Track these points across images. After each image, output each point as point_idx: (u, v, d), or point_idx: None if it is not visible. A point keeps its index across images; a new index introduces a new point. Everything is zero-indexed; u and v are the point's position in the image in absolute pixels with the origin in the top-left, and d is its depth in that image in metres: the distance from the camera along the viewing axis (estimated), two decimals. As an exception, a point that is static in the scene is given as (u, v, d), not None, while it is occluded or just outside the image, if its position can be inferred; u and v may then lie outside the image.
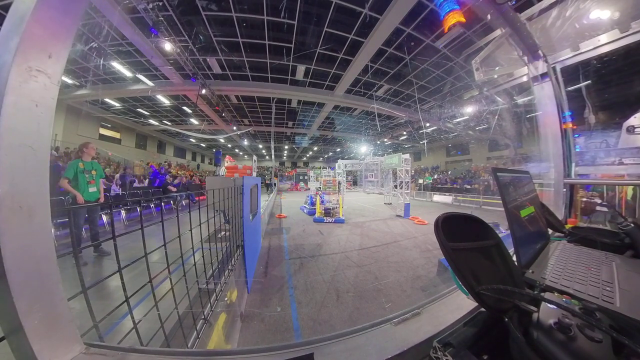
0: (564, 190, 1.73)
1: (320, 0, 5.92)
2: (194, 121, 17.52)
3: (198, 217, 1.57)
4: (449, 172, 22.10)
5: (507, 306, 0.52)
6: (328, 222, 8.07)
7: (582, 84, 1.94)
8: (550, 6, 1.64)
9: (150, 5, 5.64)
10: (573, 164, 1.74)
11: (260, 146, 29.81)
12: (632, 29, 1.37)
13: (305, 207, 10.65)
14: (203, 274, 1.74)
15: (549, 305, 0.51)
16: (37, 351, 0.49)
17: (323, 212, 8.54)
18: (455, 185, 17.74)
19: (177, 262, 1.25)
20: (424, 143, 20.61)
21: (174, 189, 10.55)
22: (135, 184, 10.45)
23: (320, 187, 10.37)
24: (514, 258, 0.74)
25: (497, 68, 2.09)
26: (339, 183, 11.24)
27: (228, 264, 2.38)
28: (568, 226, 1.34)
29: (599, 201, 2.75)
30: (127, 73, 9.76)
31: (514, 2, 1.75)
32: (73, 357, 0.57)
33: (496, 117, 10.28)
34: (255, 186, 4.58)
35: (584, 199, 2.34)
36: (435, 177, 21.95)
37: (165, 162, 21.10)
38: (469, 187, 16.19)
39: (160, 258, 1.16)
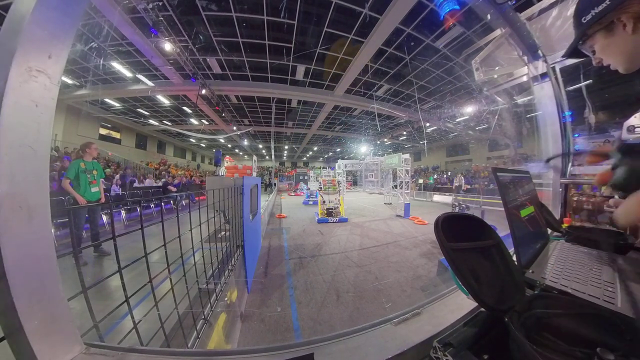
0: (560, 190, 1.74)
1: (320, 0, 5.92)
2: (194, 121, 17.53)
3: (198, 217, 1.57)
4: (449, 173, 22.10)
5: (507, 306, 0.52)
6: (332, 222, 8.13)
7: (583, 84, 1.94)
8: (550, 6, 1.63)
9: (150, 5, 5.64)
10: (570, 164, 1.75)
11: (260, 146, 29.82)
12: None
13: (307, 201, 13.33)
14: (203, 274, 1.74)
15: (549, 305, 0.51)
16: (37, 351, 0.49)
17: (325, 212, 8.58)
18: (455, 185, 17.71)
19: (177, 262, 1.25)
20: (424, 143, 20.62)
21: (174, 189, 10.55)
22: (136, 184, 10.45)
23: (321, 187, 10.58)
24: (514, 258, 0.74)
25: (497, 68, 2.09)
26: (339, 183, 11.50)
27: (228, 264, 2.38)
28: (564, 225, 1.34)
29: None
30: (127, 73, 9.76)
31: (514, 2, 1.75)
32: (73, 357, 0.57)
33: (496, 117, 10.28)
34: (255, 186, 4.58)
35: (576, 199, 2.33)
36: (435, 177, 21.95)
37: (163, 162, 21.11)
38: (469, 186, 16.18)
39: (160, 258, 1.16)
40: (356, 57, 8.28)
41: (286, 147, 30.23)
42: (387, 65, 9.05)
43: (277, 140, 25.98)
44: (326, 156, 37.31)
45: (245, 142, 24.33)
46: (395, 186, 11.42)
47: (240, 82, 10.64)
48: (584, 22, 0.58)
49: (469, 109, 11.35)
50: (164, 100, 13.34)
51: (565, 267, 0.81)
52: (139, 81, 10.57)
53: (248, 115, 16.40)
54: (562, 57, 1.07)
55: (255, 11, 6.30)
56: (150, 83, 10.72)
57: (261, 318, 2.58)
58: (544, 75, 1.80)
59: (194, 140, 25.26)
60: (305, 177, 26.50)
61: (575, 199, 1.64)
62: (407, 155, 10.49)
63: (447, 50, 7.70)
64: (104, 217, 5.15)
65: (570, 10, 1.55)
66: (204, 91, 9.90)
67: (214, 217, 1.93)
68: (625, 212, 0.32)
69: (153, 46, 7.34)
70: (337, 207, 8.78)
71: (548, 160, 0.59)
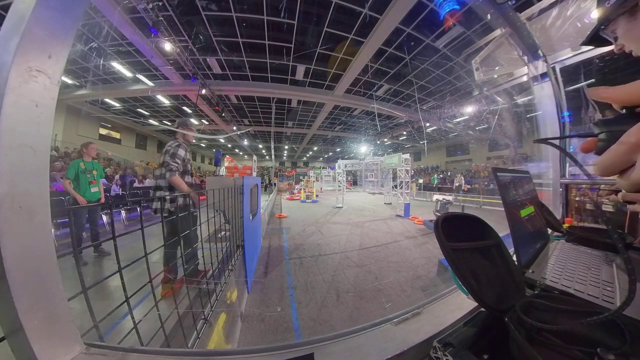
0: (560, 190, 1.74)
1: (320, 0, 5.92)
2: (194, 121, 17.52)
3: (198, 217, 1.57)
4: (449, 173, 22.09)
5: (507, 306, 0.52)
6: (308, 202, 13.41)
7: (584, 83, 1.94)
8: (551, 6, 1.63)
9: (150, 5, 5.64)
10: (567, 164, 1.75)
11: (260, 146, 29.81)
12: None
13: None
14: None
15: (549, 305, 0.51)
16: (37, 351, 0.49)
17: (306, 197, 15.01)
18: (455, 185, 17.69)
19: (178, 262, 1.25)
20: (424, 143, 20.62)
21: (174, 189, 10.53)
22: (136, 184, 10.45)
23: (304, 185, 17.40)
24: (514, 258, 0.74)
25: (497, 68, 2.09)
26: (340, 182, 13.14)
27: (228, 264, 2.38)
28: (565, 226, 1.34)
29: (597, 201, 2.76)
30: (127, 73, 9.76)
31: (514, 2, 1.75)
32: (73, 357, 0.57)
33: (496, 117, 10.28)
34: (255, 186, 4.58)
35: (578, 199, 2.34)
36: (436, 176, 21.95)
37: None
38: (469, 187, 16.17)
39: (161, 258, 1.16)
40: (356, 57, 8.28)
41: (286, 147, 30.22)
42: (387, 65, 9.05)
43: (277, 140, 25.97)
44: (326, 156, 37.31)
45: (245, 142, 24.32)
46: (395, 186, 11.57)
47: (240, 82, 10.64)
48: (608, 5, 0.57)
49: (469, 109, 11.35)
50: (164, 100, 13.34)
51: (565, 267, 0.81)
52: (139, 81, 10.57)
53: (248, 115, 16.40)
54: (582, 44, 1.06)
55: (255, 11, 6.30)
56: (150, 83, 10.72)
57: (261, 318, 2.58)
58: (543, 75, 1.81)
59: (193, 140, 25.23)
60: (305, 177, 26.56)
61: (577, 199, 1.65)
62: (407, 155, 10.47)
63: (447, 50, 7.70)
64: (104, 217, 5.14)
65: (571, 10, 1.55)
66: (204, 91, 9.90)
67: (214, 217, 1.93)
68: (607, 159, 0.32)
69: (153, 46, 7.34)
70: (311, 194, 15.36)
71: (536, 141, 0.56)
